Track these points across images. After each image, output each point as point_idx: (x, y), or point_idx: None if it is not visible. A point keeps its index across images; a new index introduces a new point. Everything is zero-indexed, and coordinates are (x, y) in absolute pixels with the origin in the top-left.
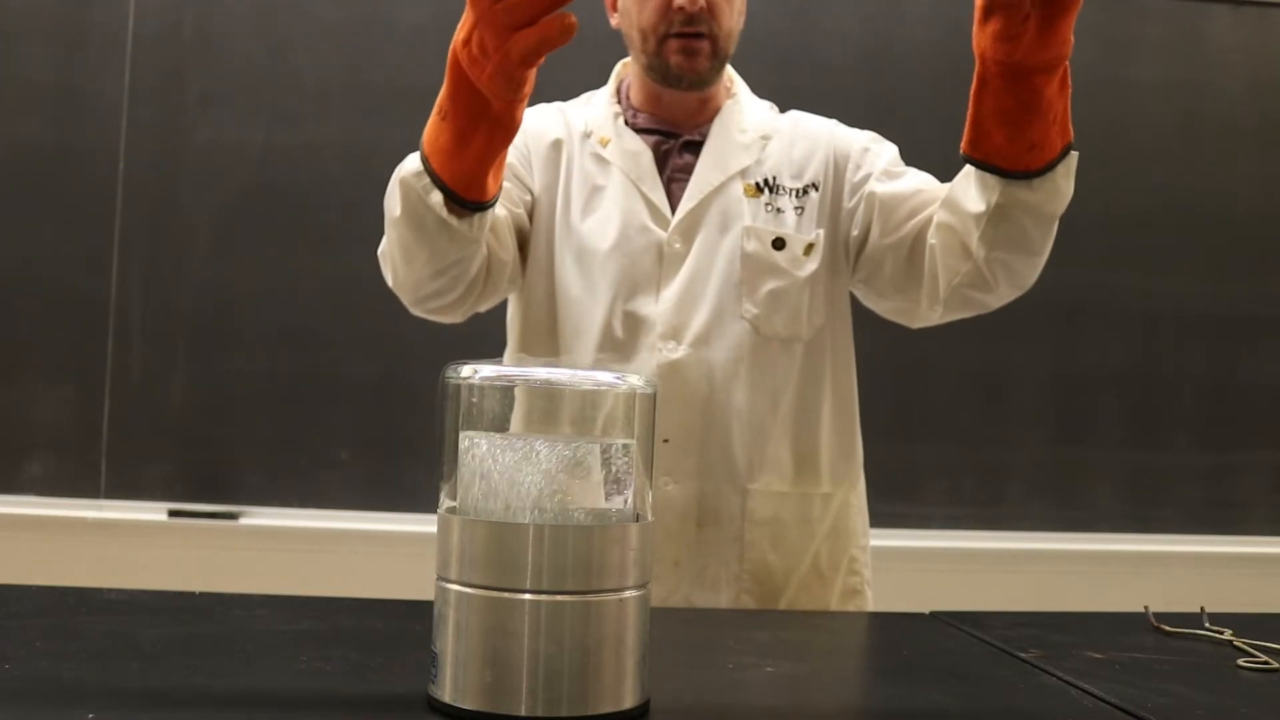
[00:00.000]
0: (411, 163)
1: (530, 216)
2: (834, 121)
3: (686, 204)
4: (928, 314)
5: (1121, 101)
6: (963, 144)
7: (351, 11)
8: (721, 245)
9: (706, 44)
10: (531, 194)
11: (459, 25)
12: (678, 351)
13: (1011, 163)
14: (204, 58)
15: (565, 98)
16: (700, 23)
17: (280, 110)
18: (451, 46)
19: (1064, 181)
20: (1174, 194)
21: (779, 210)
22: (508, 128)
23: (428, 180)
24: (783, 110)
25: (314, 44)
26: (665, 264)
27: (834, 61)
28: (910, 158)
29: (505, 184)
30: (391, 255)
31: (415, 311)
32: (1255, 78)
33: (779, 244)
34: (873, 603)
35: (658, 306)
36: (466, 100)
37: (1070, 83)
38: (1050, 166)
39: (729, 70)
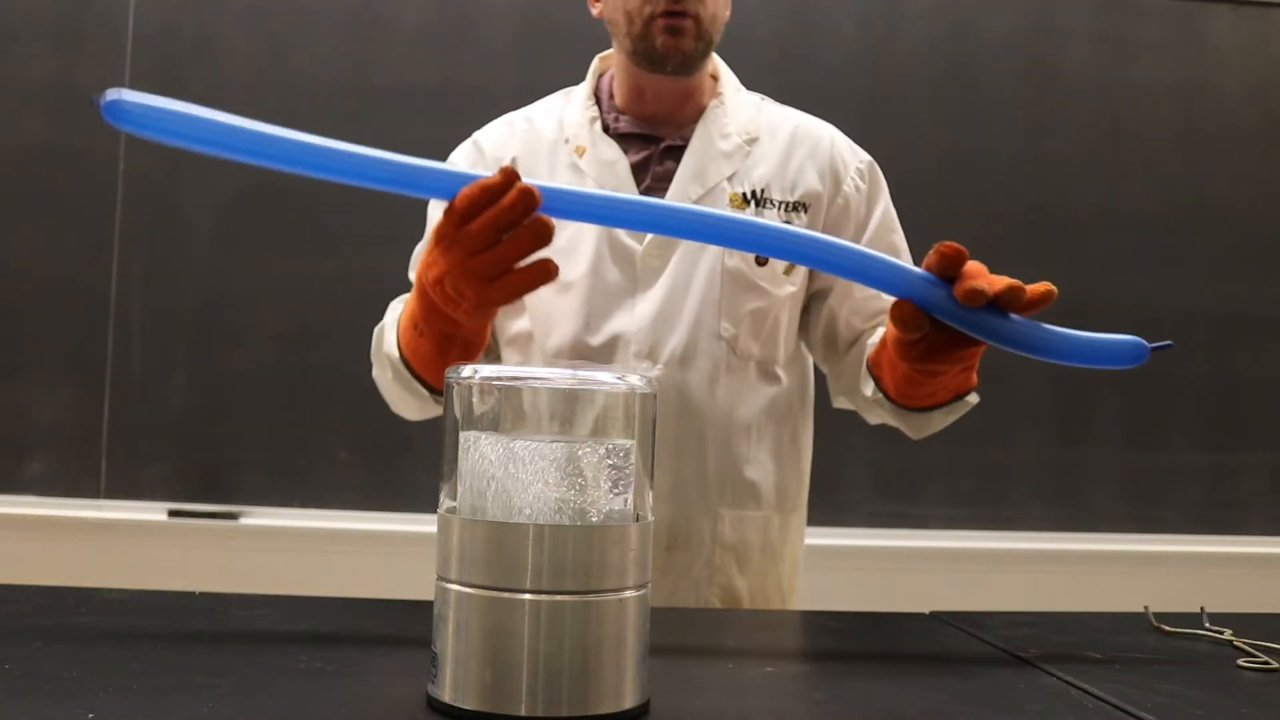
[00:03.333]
0: (393, 346)
1: None
2: (833, 131)
3: None
4: (834, 396)
5: (1121, 101)
6: (868, 353)
7: (351, 11)
8: (701, 260)
9: (691, 24)
10: None
11: (424, 260)
12: (652, 371)
13: (895, 396)
14: (204, 58)
15: (549, 88)
16: (685, 2)
17: (280, 110)
18: (418, 278)
19: (942, 418)
20: (1174, 194)
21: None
22: (481, 343)
23: (409, 374)
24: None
25: (314, 44)
26: (641, 280)
27: (833, 61)
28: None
29: None
30: (384, 393)
31: None
32: (1255, 78)
33: (761, 260)
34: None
35: (632, 324)
36: (439, 324)
37: (976, 363)
38: (935, 406)
39: (716, 62)
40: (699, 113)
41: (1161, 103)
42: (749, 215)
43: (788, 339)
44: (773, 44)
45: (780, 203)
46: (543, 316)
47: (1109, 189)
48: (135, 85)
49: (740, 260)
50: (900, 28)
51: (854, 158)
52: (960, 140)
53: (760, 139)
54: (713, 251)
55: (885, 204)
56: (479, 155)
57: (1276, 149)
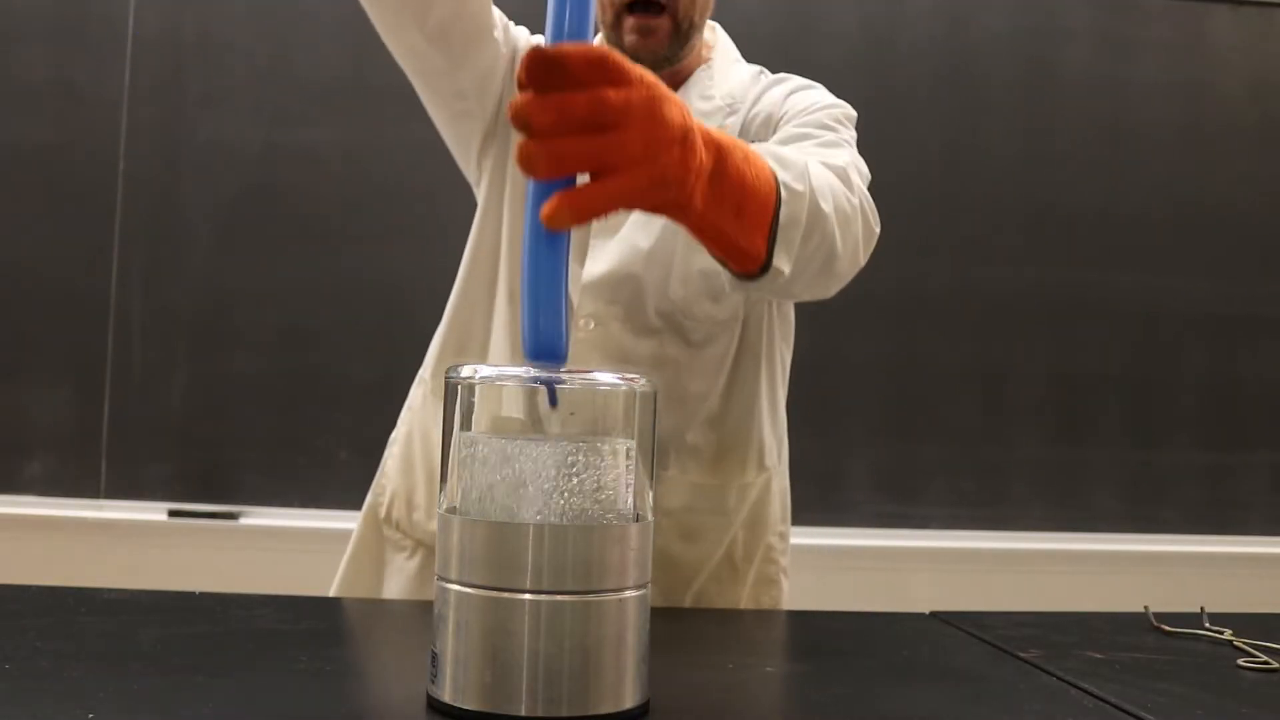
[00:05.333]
0: None
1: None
2: (800, 85)
3: None
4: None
5: (1121, 101)
6: None
7: (351, 11)
8: (658, 220)
9: (665, 21)
10: (512, 66)
11: None
12: (595, 330)
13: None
14: (204, 58)
15: None
16: None
17: (280, 110)
18: None
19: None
20: (1174, 194)
21: None
22: None
23: None
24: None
25: (314, 44)
26: (596, 237)
27: (833, 61)
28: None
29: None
30: None
31: None
32: (1255, 78)
33: None
34: (788, 592)
35: (582, 282)
36: None
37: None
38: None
39: (716, 33)
40: (682, 84)
41: (1161, 103)
42: None
43: (746, 298)
44: (773, 44)
45: None
46: (509, 264)
47: (1109, 189)
48: (135, 85)
49: None
50: (900, 28)
51: (788, 87)
52: (960, 140)
53: (740, 106)
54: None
55: (806, 104)
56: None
57: (1276, 149)
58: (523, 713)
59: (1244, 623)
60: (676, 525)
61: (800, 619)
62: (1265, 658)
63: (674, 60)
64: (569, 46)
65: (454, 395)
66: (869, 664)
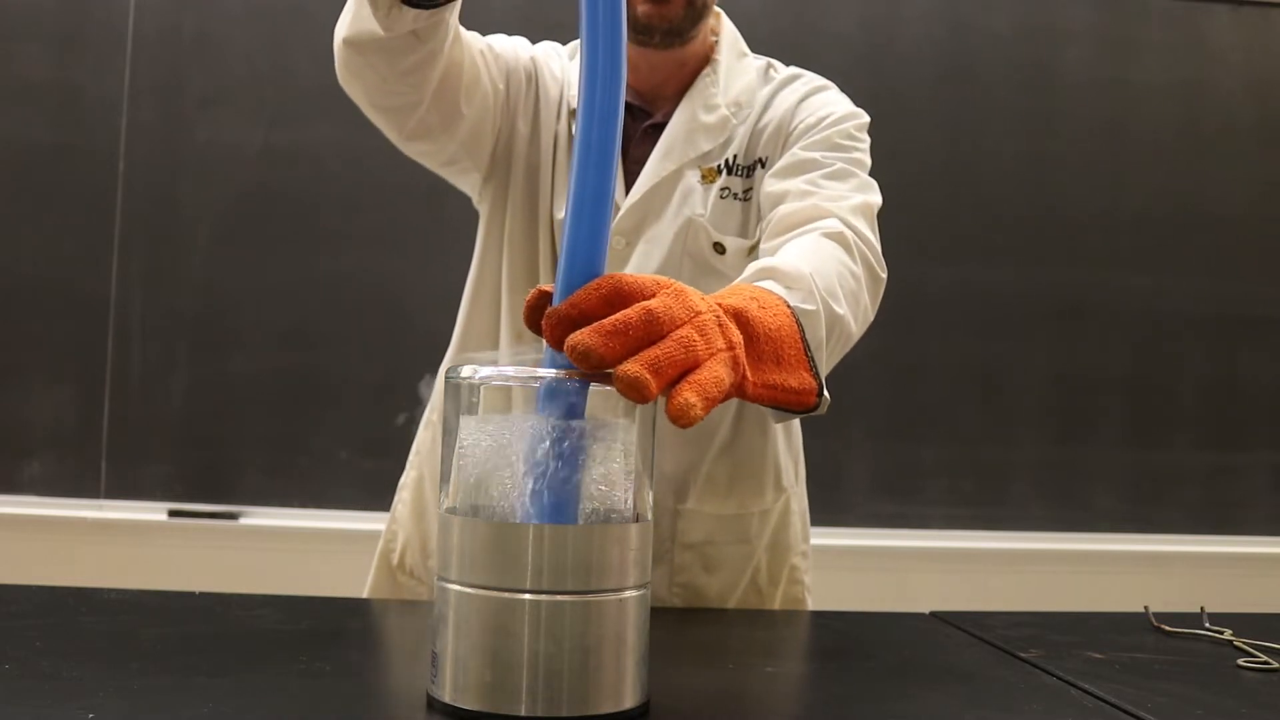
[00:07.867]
0: None
1: (495, 131)
2: (812, 87)
3: (633, 197)
4: None
5: (1121, 101)
6: None
7: None
8: (669, 242)
9: None
10: (507, 102)
11: None
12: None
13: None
14: (204, 58)
15: None
16: None
17: (280, 110)
18: None
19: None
20: (1174, 194)
21: (735, 196)
22: None
23: None
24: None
25: (314, 44)
26: (609, 264)
27: (833, 61)
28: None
29: (494, 66)
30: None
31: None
32: (1255, 78)
33: (719, 248)
34: (812, 606)
35: None
36: None
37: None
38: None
39: (722, 22)
40: (689, 85)
41: (1161, 103)
42: (718, 186)
43: None
44: (773, 44)
45: (741, 167)
46: (515, 294)
47: (1109, 189)
48: (135, 85)
49: (704, 241)
50: (900, 28)
51: (806, 89)
52: (960, 140)
53: (749, 109)
54: (680, 232)
55: (819, 118)
56: (534, 68)
57: (1276, 149)
58: (523, 713)
59: (1244, 623)
60: (699, 558)
61: (800, 619)
62: (1265, 658)
63: (684, 35)
64: (579, 296)
65: (454, 395)
66: (869, 664)
